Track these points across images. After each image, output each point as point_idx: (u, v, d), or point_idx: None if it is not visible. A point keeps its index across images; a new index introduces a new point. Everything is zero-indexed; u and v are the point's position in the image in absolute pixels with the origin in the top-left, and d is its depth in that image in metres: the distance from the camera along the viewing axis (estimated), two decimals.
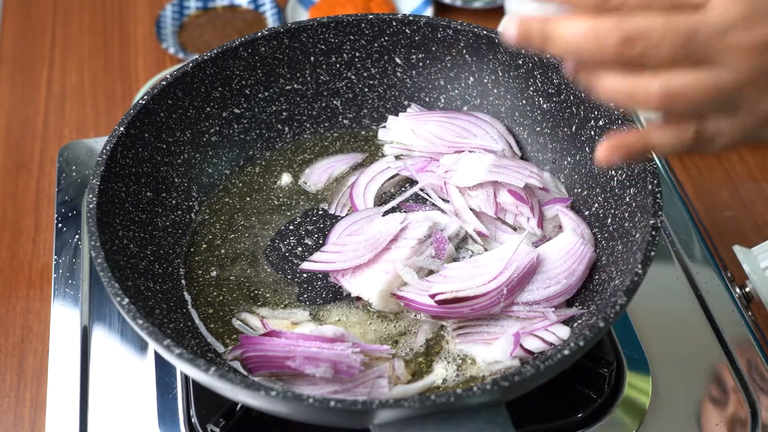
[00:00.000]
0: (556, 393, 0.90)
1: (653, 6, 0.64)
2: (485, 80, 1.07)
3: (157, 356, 0.97)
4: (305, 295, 0.96)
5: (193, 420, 0.91)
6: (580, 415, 0.91)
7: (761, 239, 1.04)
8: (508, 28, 0.67)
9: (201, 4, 1.66)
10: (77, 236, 1.10)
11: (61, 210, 1.13)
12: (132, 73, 1.57)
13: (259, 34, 1.04)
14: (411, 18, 1.05)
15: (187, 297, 0.95)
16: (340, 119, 1.13)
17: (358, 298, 0.93)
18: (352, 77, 1.10)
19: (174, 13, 1.64)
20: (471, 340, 0.89)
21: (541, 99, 1.03)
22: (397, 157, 1.08)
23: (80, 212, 1.13)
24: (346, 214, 1.03)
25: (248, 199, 1.06)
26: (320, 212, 1.04)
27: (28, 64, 1.59)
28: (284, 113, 1.10)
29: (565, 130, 1.01)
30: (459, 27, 1.04)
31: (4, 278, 1.22)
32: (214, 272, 0.98)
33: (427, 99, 1.11)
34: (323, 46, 1.07)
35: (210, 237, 1.02)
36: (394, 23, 1.06)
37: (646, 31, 0.63)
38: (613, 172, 0.95)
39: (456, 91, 1.09)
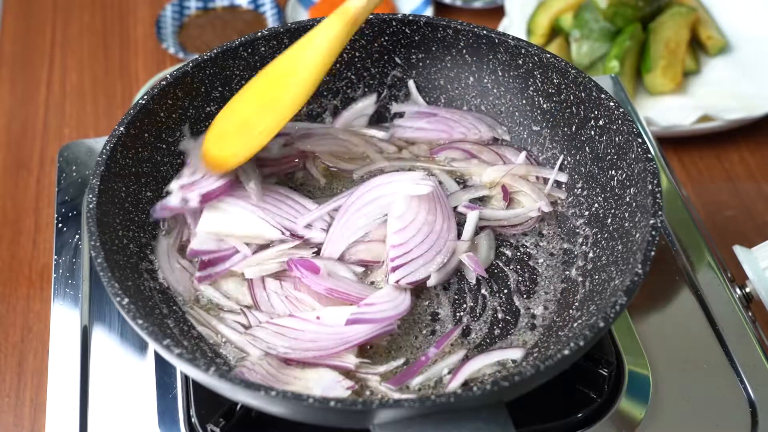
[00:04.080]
0: (556, 393, 0.90)
1: None
2: (485, 80, 1.07)
3: (157, 356, 0.97)
4: None
5: (193, 420, 0.91)
6: (580, 415, 0.91)
7: (761, 239, 1.04)
8: None
9: (201, 4, 1.66)
10: (77, 236, 1.10)
11: (61, 210, 1.13)
12: (132, 73, 1.57)
13: (259, 34, 1.04)
14: (411, 18, 1.05)
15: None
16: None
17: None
18: (352, 77, 1.10)
19: (174, 13, 1.64)
20: None
21: (541, 99, 1.03)
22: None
23: (80, 212, 1.13)
24: None
25: None
26: None
27: (28, 64, 1.59)
28: None
29: (565, 129, 1.01)
30: (459, 27, 1.04)
31: (4, 278, 1.23)
32: None
33: (427, 99, 1.11)
34: None
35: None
36: (394, 23, 1.06)
37: None
38: (613, 172, 0.95)
39: (456, 91, 1.09)
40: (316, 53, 0.93)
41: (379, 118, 1.12)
